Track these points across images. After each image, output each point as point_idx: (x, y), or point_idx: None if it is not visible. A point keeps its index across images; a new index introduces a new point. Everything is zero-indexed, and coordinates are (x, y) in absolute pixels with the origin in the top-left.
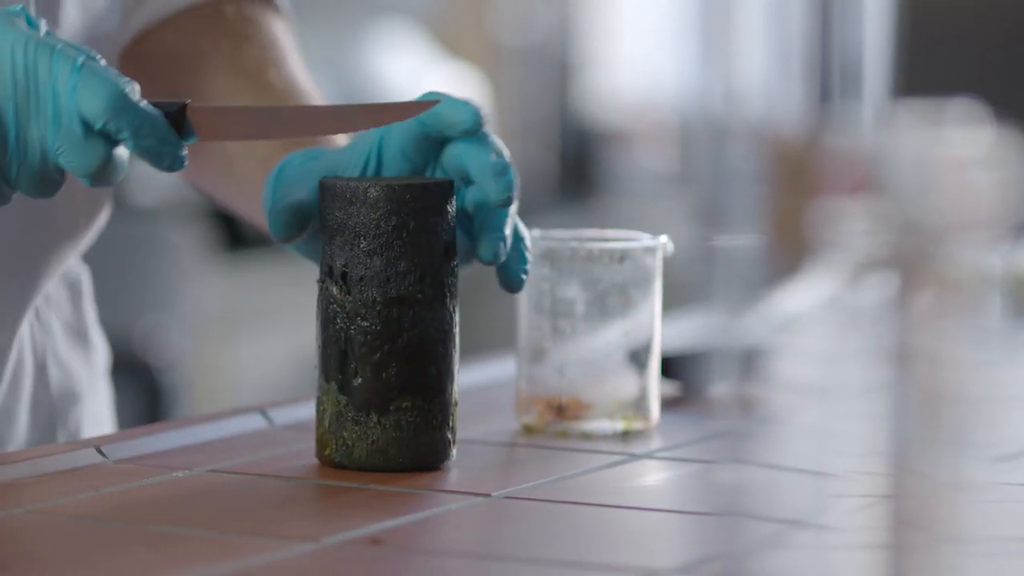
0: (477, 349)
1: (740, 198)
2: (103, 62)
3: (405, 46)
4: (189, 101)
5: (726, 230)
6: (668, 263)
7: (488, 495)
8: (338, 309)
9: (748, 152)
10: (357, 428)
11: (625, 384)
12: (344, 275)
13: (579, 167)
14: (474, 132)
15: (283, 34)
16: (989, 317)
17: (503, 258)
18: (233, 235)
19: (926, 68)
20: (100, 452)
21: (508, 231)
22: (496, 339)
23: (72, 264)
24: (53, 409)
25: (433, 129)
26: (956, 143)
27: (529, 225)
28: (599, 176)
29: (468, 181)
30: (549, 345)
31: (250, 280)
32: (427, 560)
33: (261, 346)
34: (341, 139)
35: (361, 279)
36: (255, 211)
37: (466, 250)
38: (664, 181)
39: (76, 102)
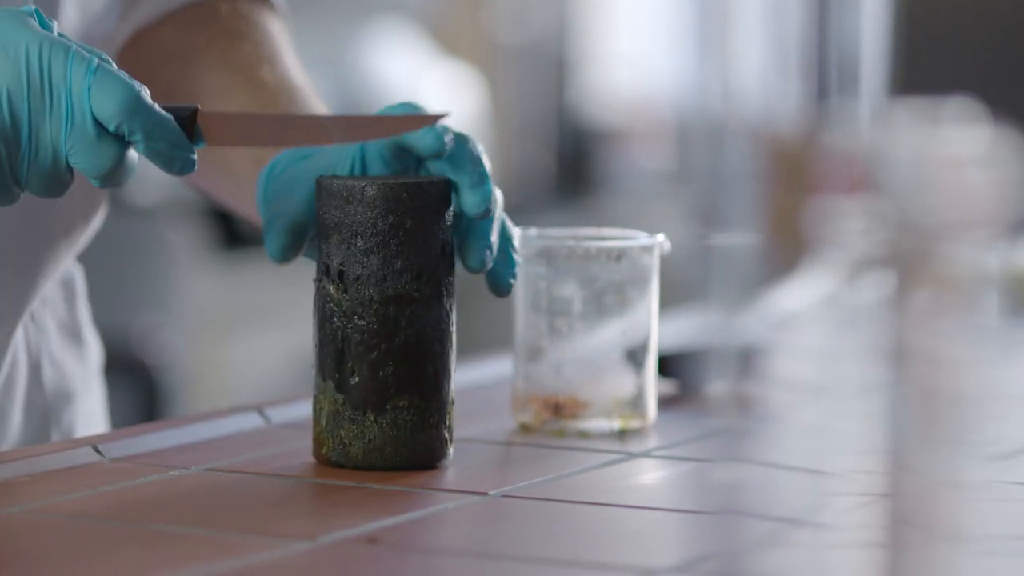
0: (474, 348)
1: (737, 196)
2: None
3: (402, 45)
4: (199, 106)
5: (723, 228)
6: (665, 261)
7: (485, 494)
8: (335, 308)
9: (745, 150)
10: (354, 427)
11: (622, 383)
12: (341, 274)
13: (576, 165)
14: (439, 156)
15: (278, 32)
16: (986, 315)
17: (490, 265)
18: (230, 234)
19: (923, 66)
20: (97, 451)
21: (494, 238)
22: (493, 338)
23: (67, 263)
24: (47, 408)
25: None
26: (953, 142)
27: (526, 223)
28: (596, 174)
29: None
30: (546, 344)
31: (247, 279)
32: (424, 559)
33: (258, 345)
34: None
35: (358, 278)
36: (250, 207)
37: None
38: (661, 179)
39: (90, 103)
